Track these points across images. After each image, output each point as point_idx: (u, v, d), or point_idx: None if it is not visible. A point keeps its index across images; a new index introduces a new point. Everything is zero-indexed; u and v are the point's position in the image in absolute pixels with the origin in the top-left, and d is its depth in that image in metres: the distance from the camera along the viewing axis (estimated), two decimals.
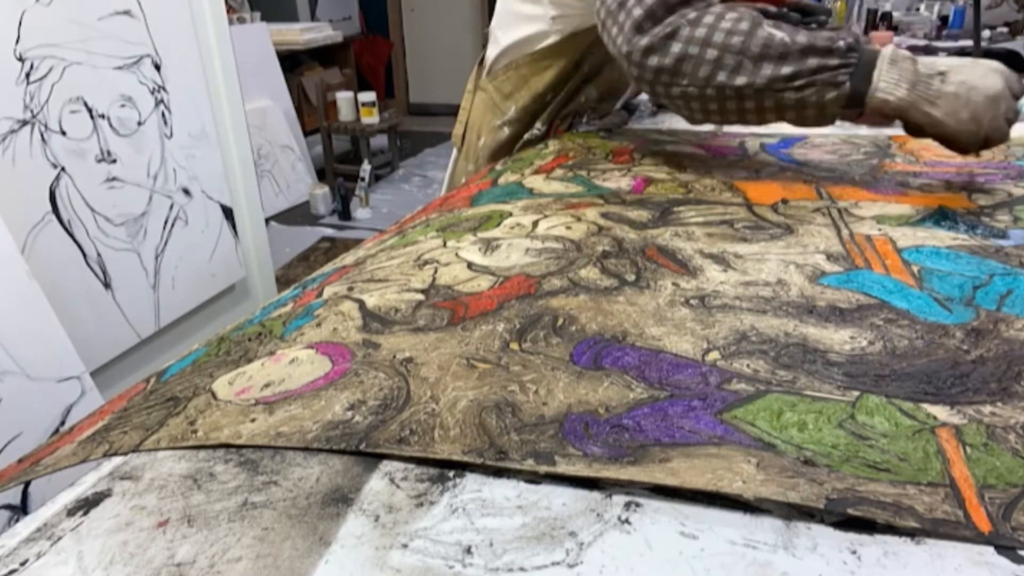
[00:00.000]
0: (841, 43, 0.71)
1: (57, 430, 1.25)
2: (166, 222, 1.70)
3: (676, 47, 0.75)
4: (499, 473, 0.37)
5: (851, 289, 0.54)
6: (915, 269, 0.57)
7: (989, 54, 1.67)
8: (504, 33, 1.07)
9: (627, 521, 0.33)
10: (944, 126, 0.71)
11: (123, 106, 1.55)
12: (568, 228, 0.67)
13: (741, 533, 0.32)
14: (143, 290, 1.65)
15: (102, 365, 1.55)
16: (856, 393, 0.41)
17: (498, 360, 0.45)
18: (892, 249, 0.61)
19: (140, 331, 1.65)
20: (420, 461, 0.37)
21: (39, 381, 1.22)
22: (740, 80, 0.73)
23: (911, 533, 0.32)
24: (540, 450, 0.37)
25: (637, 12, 0.77)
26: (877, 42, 1.07)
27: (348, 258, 0.69)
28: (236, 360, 0.48)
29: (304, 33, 4.09)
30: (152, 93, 1.63)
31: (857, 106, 0.73)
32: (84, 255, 1.49)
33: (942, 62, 0.72)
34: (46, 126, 1.39)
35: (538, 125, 1.09)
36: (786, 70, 0.72)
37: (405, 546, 0.32)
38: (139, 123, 1.60)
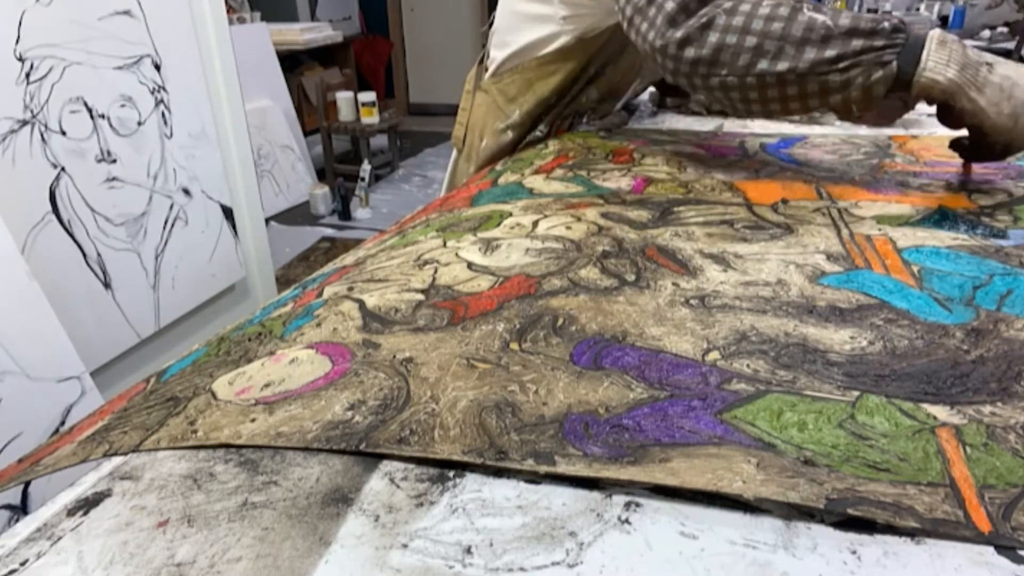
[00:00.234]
0: (886, 24, 0.69)
1: (57, 430, 1.25)
2: (166, 222, 1.70)
3: (713, 36, 0.73)
4: (499, 473, 0.37)
5: (851, 289, 0.54)
6: (915, 269, 0.57)
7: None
8: (511, 36, 1.05)
9: (627, 521, 0.33)
10: (985, 116, 0.69)
11: (123, 106, 1.55)
12: (568, 228, 0.67)
13: (741, 533, 0.32)
14: (143, 290, 1.65)
15: (102, 365, 1.55)
16: (856, 393, 0.41)
17: (498, 360, 0.45)
18: (892, 249, 0.61)
19: (140, 331, 1.65)
20: (420, 461, 0.37)
21: (39, 381, 1.22)
22: (782, 66, 0.72)
23: (911, 533, 0.32)
24: (540, 450, 0.37)
25: (670, 5, 0.76)
26: None
27: (348, 258, 0.69)
28: (236, 360, 0.48)
29: (304, 33, 4.10)
30: (152, 93, 1.63)
31: (904, 88, 0.71)
32: (84, 255, 1.50)
33: (988, 55, 0.70)
34: (46, 126, 1.39)
35: (541, 127, 1.09)
36: (830, 53, 0.70)
37: (405, 546, 0.32)
38: (139, 123, 1.60)
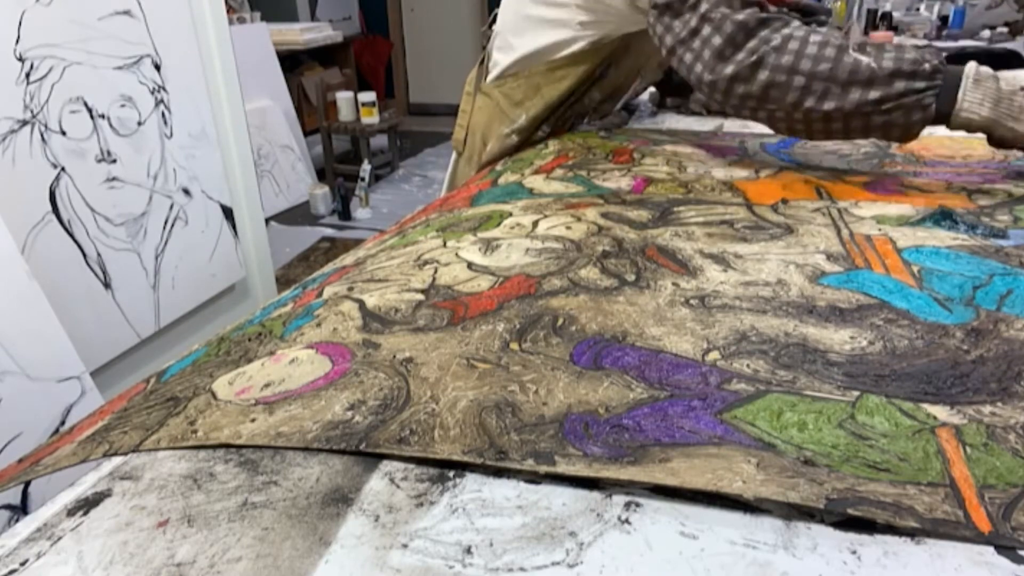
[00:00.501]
0: (926, 66, 0.73)
1: (57, 430, 1.25)
2: (166, 222, 1.70)
3: (763, 75, 0.77)
4: (499, 473, 0.37)
5: (851, 289, 0.54)
6: (915, 269, 0.57)
7: (989, 54, 1.67)
8: (518, 39, 1.03)
9: (627, 521, 0.33)
10: None
11: (123, 106, 1.55)
12: (568, 228, 0.67)
13: (741, 533, 0.32)
14: (143, 290, 1.65)
15: (102, 365, 1.55)
16: (856, 393, 0.41)
17: (498, 360, 0.45)
18: (892, 249, 0.61)
19: (140, 331, 1.65)
20: (420, 461, 0.37)
21: (39, 381, 1.22)
22: (828, 105, 0.75)
23: (911, 533, 0.32)
24: (540, 450, 0.37)
25: (717, 40, 0.78)
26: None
27: (348, 258, 0.69)
28: (236, 360, 0.48)
29: (304, 33, 4.09)
30: (152, 93, 1.63)
31: (942, 123, 0.75)
32: (84, 255, 1.49)
33: (1023, 77, 0.74)
34: (46, 126, 1.39)
35: (544, 128, 1.08)
36: (874, 95, 0.74)
37: (405, 546, 0.32)
38: (139, 123, 1.60)
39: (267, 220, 2.76)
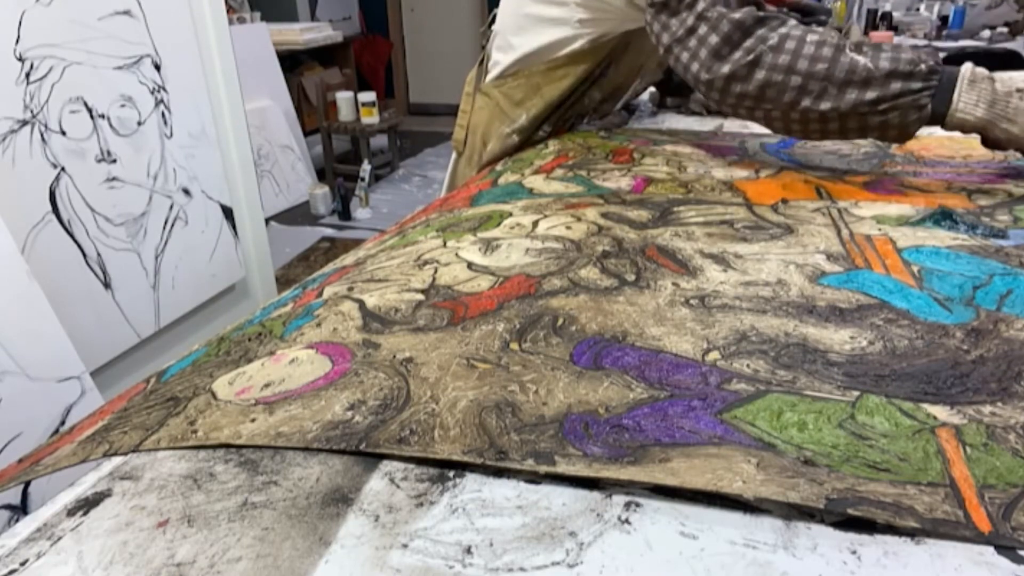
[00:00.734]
0: (923, 66, 0.73)
1: (57, 430, 1.25)
2: (166, 222, 1.70)
3: (760, 74, 0.77)
4: (499, 473, 0.37)
5: (851, 289, 0.54)
6: (915, 269, 0.57)
7: (989, 54, 1.67)
8: (518, 38, 1.03)
9: (627, 521, 0.33)
10: (1021, 141, 0.73)
11: (123, 106, 1.55)
12: (568, 228, 0.67)
13: (741, 533, 0.32)
14: (143, 290, 1.65)
15: (102, 365, 1.55)
16: (856, 393, 0.41)
17: (498, 360, 0.45)
18: (892, 249, 0.61)
19: (140, 331, 1.65)
20: (420, 461, 0.37)
21: (39, 381, 1.22)
22: (825, 105, 0.75)
23: (911, 533, 0.32)
24: (540, 450, 0.37)
25: (713, 39, 0.78)
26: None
27: (348, 258, 0.69)
28: (236, 360, 0.48)
29: (304, 33, 4.10)
30: (152, 93, 1.63)
31: (937, 124, 0.75)
32: (84, 255, 1.49)
33: (1020, 78, 0.74)
34: (46, 126, 1.39)
35: (545, 127, 1.08)
36: (870, 95, 0.74)
37: (405, 546, 0.32)
38: (139, 123, 1.60)
39: (267, 220, 2.76)
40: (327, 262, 0.72)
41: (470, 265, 0.60)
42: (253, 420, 0.40)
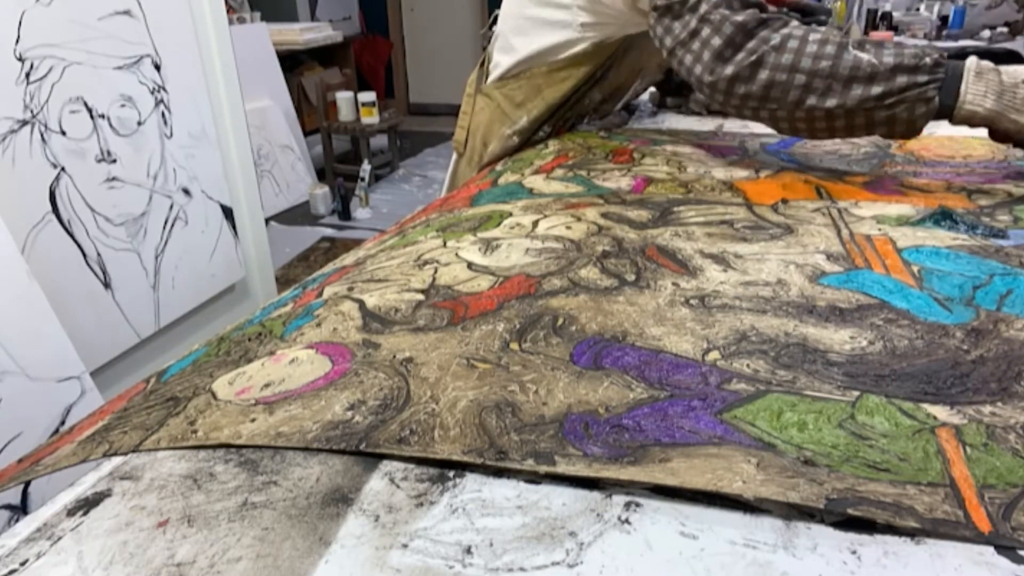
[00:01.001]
0: (927, 59, 0.73)
1: (57, 430, 1.25)
2: (166, 222, 1.70)
3: (763, 74, 0.76)
4: (499, 473, 0.37)
5: (851, 289, 0.54)
6: (915, 269, 0.57)
7: (989, 54, 1.67)
8: (520, 40, 1.03)
9: (627, 521, 0.33)
10: None
11: (123, 106, 1.55)
12: (568, 228, 0.67)
13: (741, 533, 0.32)
14: (143, 290, 1.65)
15: (102, 365, 1.55)
16: (856, 393, 0.41)
17: (498, 360, 0.45)
18: (892, 249, 0.61)
19: (140, 331, 1.65)
20: (420, 461, 0.37)
21: (39, 381, 1.22)
22: (831, 103, 0.75)
23: (911, 533, 0.32)
24: (540, 450, 0.37)
25: (716, 41, 0.78)
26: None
27: (348, 258, 0.69)
28: (236, 360, 0.48)
29: (304, 33, 4.10)
30: (152, 93, 1.63)
31: (945, 117, 0.74)
32: (84, 255, 1.49)
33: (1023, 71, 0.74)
34: (46, 126, 1.39)
35: (545, 128, 1.08)
36: (876, 90, 0.73)
37: (405, 546, 0.32)
38: (139, 123, 1.60)
39: (267, 220, 2.76)
40: (327, 262, 0.72)
41: (470, 265, 0.60)
42: (253, 420, 0.40)
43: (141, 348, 1.67)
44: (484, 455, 0.37)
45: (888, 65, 0.73)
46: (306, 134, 3.93)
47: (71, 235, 1.46)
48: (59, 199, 1.43)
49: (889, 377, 0.42)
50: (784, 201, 0.75)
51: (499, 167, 0.98)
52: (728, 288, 0.55)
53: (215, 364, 0.48)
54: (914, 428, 0.38)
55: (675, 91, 1.37)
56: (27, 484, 1.11)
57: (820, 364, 0.44)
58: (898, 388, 0.41)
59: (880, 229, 0.66)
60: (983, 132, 0.76)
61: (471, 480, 0.36)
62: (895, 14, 2.64)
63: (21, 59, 1.33)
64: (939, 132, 1.02)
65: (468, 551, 0.32)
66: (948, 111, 0.74)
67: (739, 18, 0.77)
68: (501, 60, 1.06)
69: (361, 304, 0.53)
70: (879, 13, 2.58)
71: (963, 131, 0.77)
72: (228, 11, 2.60)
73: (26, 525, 0.35)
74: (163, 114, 1.66)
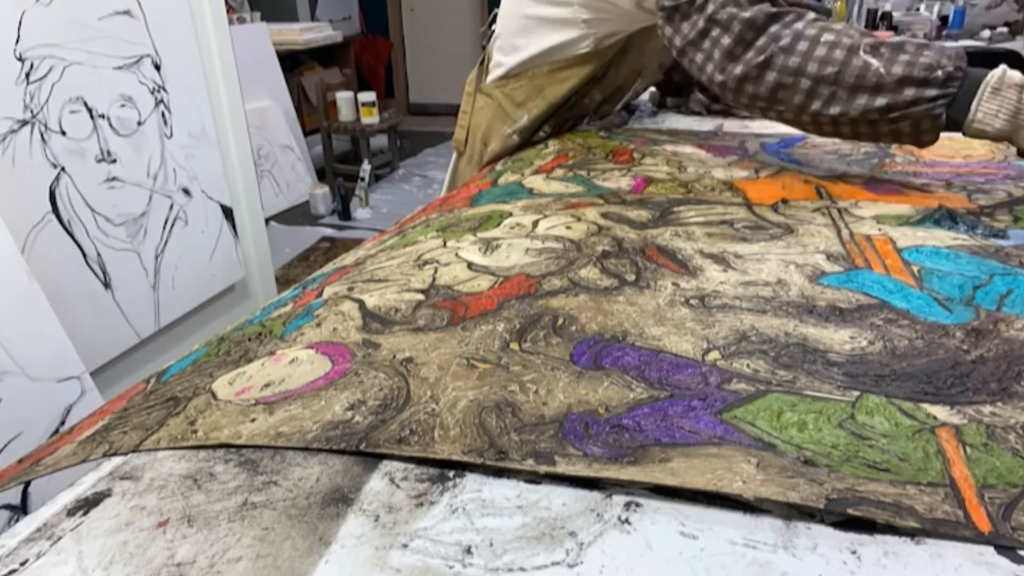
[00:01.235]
0: (940, 72, 0.69)
1: (57, 430, 1.25)
2: (166, 222, 1.70)
3: (771, 76, 0.76)
4: (499, 473, 0.37)
5: (851, 289, 0.54)
6: (915, 269, 0.57)
7: (989, 54, 1.67)
8: (521, 40, 1.03)
9: (627, 521, 0.33)
10: None
11: (123, 106, 1.55)
12: (568, 228, 0.67)
13: (741, 533, 0.32)
14: (143, 290, 1.65)
15: (102, 365, 1.55)
16: (856, 393, 0.41)
17: (498, 360, 0.45)
18: (892, 249, 0.61)
19: (140, 331, 1.65)
20: (420, 461, 0.37)
21: (39, 381, 1.22)
22: (834, 110, 0.74)
23: (911, 533, 0.32)
24: (540, 450, 0.37)
25: (726, 40, 0.77)
26: None
27: (348, 258, 0.69)
28: (236, 360, 0.48)
29: (304, 33, 4.09)
30: (152, 93, 1.63)
31: (956, 130, 0.72)
32: (84, 255, 1.49)
33: None
34: (46, 126, 1.39)
35: (545, 128, 1.08)
36: (880, 102, 0.71)
37: (405, 546, 0.32)
38: (139, 123, 1.60)
39: (267, 220, 2.76)
40: (327, 262, 0.72)
41: (470, 265, 0.60)
42: (253, 420, 0.40)
43: (141, 348, 1.67)
44: (484, 455, 0.37)
45: (896, 76, 0.70)
46: (306, 134, 3.93)
47: (71, 235, 1.46)
48: (59, 199, 1.43)
49: (889, 377, 0.42)
50: (784, 201, 0.75)
51: (499, 167, 0.98)
52: (728, 288, 0.55)
53: (215, 364, 0.48)
54: (914, 428, 0.38)
55: (675, 91, 1.37)
56: (27, 484, 1.11)
57: (820, 364, 0.44)
58: (898, 388, 0.41)
59: (880, 229, 0.66)
60: None
61: (471, 480, 0.36)
62: (895, 14, 2.64)
63: (21, 59, 1.33)
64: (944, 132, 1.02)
65: (468, 551, 0.32)
66: (958, 125, 0.71)
67: (747, 15, 0.76)
68: (503, 60, 1.06)
69: (361, 304, 0.53)
70: (879, 13, 2.58)
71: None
72: (228, 11, 2.60)
73: (26, 525, 0.35)
74: (163, 114, 1.66)
